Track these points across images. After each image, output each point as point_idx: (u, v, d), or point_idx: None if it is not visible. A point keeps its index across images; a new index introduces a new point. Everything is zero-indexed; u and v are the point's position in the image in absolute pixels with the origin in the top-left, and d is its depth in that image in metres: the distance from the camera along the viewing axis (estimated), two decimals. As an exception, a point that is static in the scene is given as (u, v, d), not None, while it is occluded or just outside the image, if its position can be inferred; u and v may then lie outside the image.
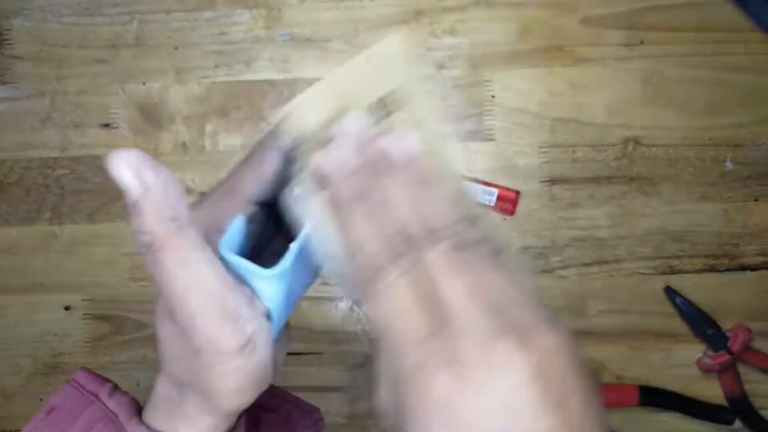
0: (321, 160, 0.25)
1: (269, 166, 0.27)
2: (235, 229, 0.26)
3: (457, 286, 0.22)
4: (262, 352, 0.26)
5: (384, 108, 0.26)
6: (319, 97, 0.26)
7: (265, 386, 0.27)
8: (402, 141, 0.25)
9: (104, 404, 0.30)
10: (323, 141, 0.25)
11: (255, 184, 0.27)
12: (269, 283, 0.26)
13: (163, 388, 0.29)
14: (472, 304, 0.22)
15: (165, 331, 0.27)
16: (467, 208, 0.24)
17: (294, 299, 0.28)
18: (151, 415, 0.29)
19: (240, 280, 0.26)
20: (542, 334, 0.22)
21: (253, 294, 0.26)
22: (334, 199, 0.24)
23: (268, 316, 0.26)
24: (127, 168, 0.23)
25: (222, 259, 0.25)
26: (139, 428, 0.28)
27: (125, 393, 0.31)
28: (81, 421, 0.29)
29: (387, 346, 0.23)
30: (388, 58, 0.26)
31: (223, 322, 0.25)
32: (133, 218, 0.23)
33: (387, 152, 0.25)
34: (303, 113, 0.26)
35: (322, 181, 0.25)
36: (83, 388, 0.31)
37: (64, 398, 0.31)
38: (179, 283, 0.24)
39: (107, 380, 0.31)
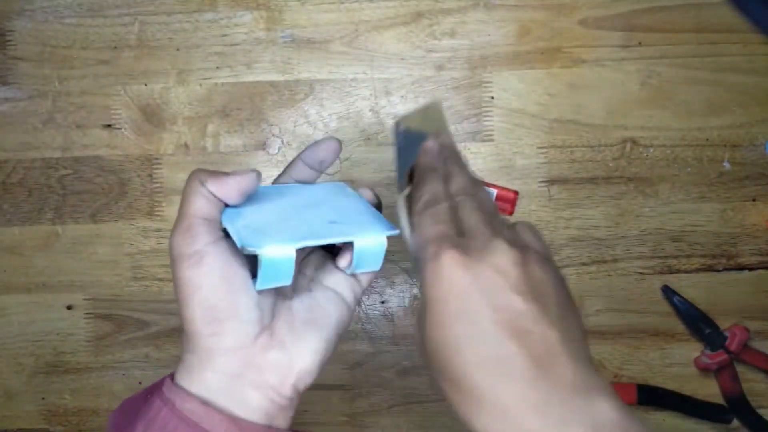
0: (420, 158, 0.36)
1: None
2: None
3: (478, 217, 0.30)
4: (212, 267, 0.30)
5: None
6: (415, 117, 0.42)
7: (235, 323, 0.30)
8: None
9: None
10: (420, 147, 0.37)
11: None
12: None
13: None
14: (487, 226, 0.30)
15: None
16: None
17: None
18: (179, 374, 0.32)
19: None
20: (536, 249, 0.29)
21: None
22: (419, 169, 0.36)
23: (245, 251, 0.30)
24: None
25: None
26: (166, 382, 0.31)
27: None
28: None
29: (423, 253, 0.30)
30: (433, 110, 0.43)
31: (179, 232, 0.30)
32: None
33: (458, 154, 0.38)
34: (408, 121, 0.41)
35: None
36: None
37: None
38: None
39: None
